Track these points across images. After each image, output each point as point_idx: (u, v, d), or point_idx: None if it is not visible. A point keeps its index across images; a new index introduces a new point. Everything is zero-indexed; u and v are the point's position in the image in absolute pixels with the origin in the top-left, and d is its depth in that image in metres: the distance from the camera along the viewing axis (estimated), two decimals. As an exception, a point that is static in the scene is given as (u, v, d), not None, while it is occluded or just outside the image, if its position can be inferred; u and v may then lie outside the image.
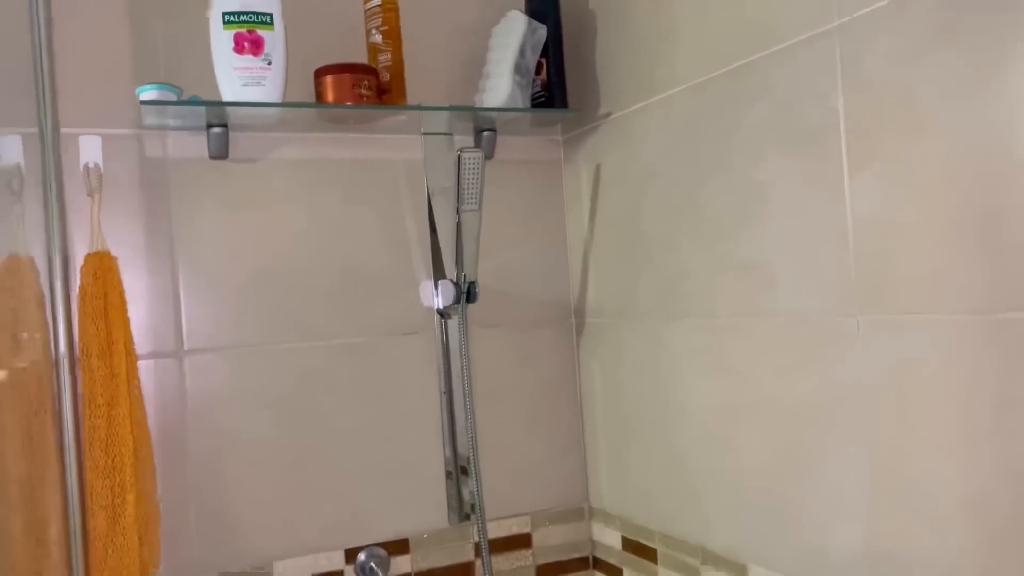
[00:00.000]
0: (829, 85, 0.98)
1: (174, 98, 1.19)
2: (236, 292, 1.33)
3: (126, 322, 1.22)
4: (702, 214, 1.20)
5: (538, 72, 1.41)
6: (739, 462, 1.16)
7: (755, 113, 1.09)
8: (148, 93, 1.16)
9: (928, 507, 0.89)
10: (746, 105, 1.10)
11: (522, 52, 1.36)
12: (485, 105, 1.37)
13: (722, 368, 1.17)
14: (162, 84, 1.18)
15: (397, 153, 1.44)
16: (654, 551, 1.36)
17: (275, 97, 1.25)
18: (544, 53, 1.40)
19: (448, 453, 1.46)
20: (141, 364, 1.25)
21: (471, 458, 1.38)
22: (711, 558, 1.23)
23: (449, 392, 1.46)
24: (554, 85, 1.40)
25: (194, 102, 1.19)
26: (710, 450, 1.21)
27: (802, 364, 1.04)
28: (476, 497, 1.37)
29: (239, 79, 1.23)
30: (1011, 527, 0.81)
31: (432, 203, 1.46)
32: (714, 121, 1.16)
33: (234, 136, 1.33)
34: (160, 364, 1.28)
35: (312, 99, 1.32)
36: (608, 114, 1.40)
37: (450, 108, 1.36)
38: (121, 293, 1.22)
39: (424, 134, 1.45)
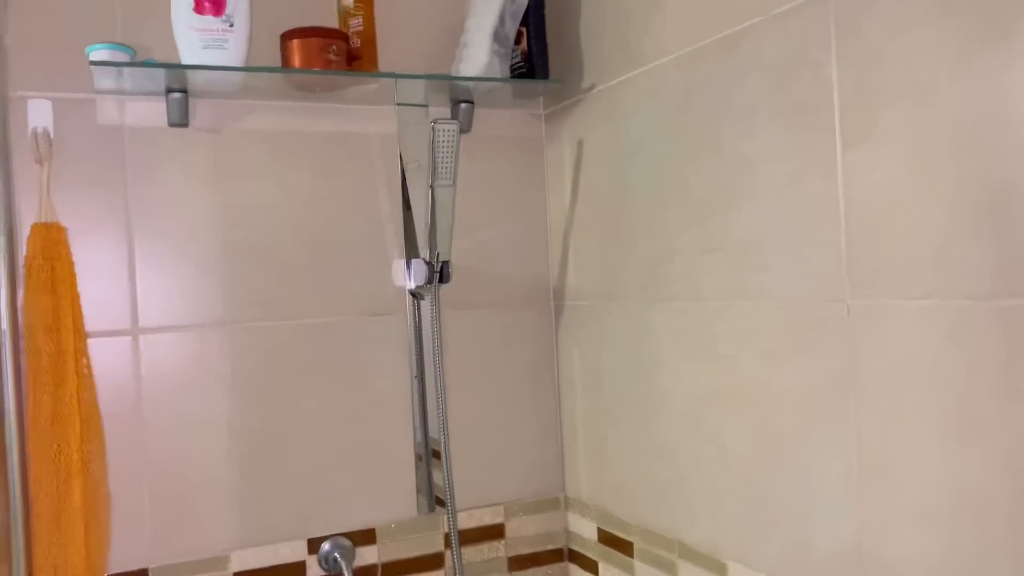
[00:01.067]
0: (823, 54, 0.92)
1: (127, 59, 1.11)
2: (197, 267, 1.26)
3: (75, 297, 1.15)
4: (689, 192, 1.13)
5: (518, 41, 1.34)
6: (722, 452, 1.10)
7: (746, 85, 1.03)
8: (98, 53, 1.08)
9: (919, 502, 0.84)
10: (737, 76, 1.04)
11: (501, 20, 1.29)
12: (462, 74, 1.30)
13: (707, 353, 1.12)
14: (114, 44, 1.10)
15: (370, 125, 1.37)
16: (630, 544, 1.30)
17: (237, 61, 1.18)
18: (525, 21, 1.33)
19: (419, 439, 1.40)
20: (92, 342, 1.18)
21: (442, 445, 1.32)
22: (689, 554, 1.17)
23: (421, 376, 1.40)
24: (535, 55, 1.33)
25: (148, 64, 1.12)
26: (692, 438, 1.16)
27: (790, 350, 0.98)
28: (447, 485, 1.31)
29: (199, 41, 1.16)
30: (1008, 524, 0.76)
31: (406, 178, 1.40)
32: (703, 94, 1.10)
33: (196, 103, 1.26)
34: (113, 342, 1.21)
35: (279, 66, 1.24)
36: (592, 87, 1.33)
37: (424, 77, 1.29)
38: (70, 266, 1.15)
39: (398, 105, 1.38)
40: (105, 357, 1.20)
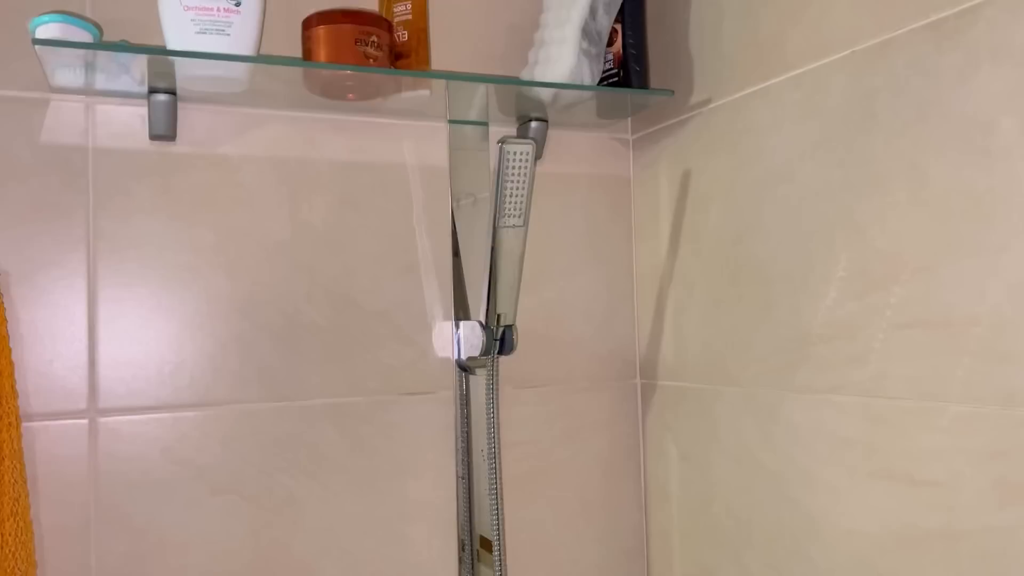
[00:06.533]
0: None
1: (89, 39, 0.81)
2: (178, 329, 0.94)
3: (7, 364, 0.83)
4: (866, 241, 0.81)
5: (610, 42, 1.03)
6: (916, 621, 0.76)
7: (975, 86, 0.71)
8: (47, 28, 0.78)
9: None
10: (956, 74, 0.72)
11: (592, 11, 0.98)
12: (539, 79, 0.99)
13: (894, 474, 0.78)
14: (71, 16, 0.80)
15: (412, 147, 1.06)
16: None
17: (244, 51, 0.87)
18: (620, 15, 1.02)
19: (467, 561, 1.06)
20: (30, 427, 0.86)
21: (498, 568, 0.98)
22: None
23: (468, 476, 1.06)
24: (632, 59, 1.02)
25: (120, 48, 0.81)
26: (863, 595, 0.81)
27: (1053, 485, 0.65)
28: (502, 627, 0.97)
29: (192, 24, 0.86)
30: None
31: (457, 217, 1.08)
32: (895, 102, 0.78)
33: (186, 110, 0.95)
34: (60, 428, 0.89)
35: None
36: (706, 102, 1.02)
37: (492, 80, 0.98)
38: (3, 324, 0.84)
39: (451, 122, 1.08)
40: (49, 448, 0.88)
